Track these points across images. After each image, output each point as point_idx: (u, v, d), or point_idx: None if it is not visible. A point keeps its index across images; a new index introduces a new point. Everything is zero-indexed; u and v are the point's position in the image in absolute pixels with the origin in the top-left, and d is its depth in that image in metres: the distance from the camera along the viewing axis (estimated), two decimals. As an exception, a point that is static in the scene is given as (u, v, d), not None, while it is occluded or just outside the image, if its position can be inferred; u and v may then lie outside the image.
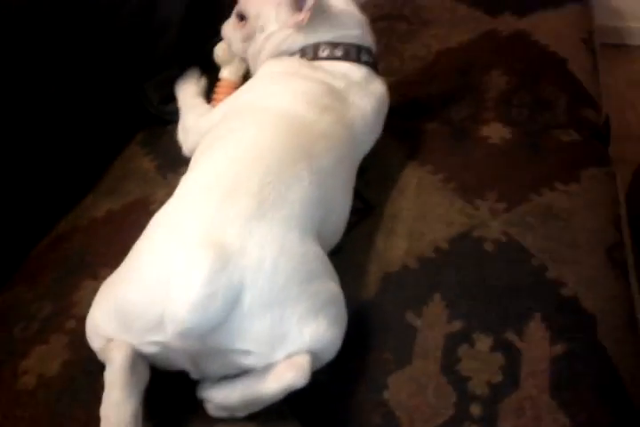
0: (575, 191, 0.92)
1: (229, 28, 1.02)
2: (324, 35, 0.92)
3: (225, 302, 0.58)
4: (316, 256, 0.68)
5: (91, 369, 0.69)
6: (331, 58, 0.91)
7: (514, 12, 1.39)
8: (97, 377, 0.65)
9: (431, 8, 1.47)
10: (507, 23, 1.36)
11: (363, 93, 0.90)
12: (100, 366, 0.64)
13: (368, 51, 0.95)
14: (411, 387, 0.69)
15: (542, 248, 0.83)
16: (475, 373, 0.70)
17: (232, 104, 0.91)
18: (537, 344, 0.73)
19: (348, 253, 0.84)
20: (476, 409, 0.67)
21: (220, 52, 1.11)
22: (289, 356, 0.61)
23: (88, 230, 0.91)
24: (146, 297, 0.61)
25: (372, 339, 0.74)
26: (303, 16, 0.89)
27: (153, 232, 0.68)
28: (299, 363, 0.61)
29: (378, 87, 0.94)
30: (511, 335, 0.73)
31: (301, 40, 0.92)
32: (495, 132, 1.06)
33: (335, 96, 0.86)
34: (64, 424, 0.67)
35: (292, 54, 0.93)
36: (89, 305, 0.68)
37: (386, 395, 0.69)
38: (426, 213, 0.90)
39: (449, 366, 0.71)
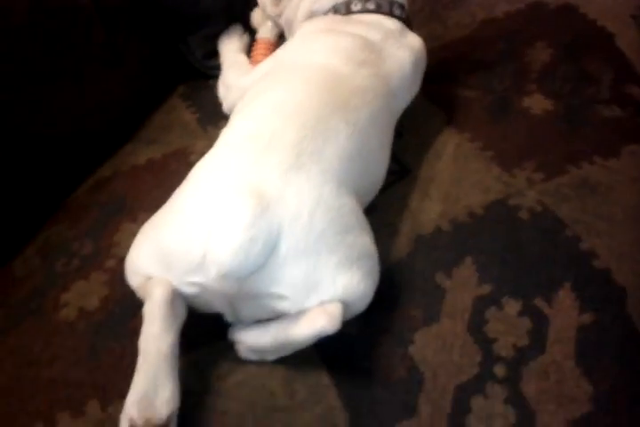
0: (614, 166, 0.91)
1: None
2: None
3: (265, 246, 0.59)
4: (352, 210, 0.69)
5: (128, 306, 0.71)
6: (363, 11, 0.92)
7: (563, -15, 1.36)
8: (134, 313, 0.67)
9: (479, -23, 1.44)
10: (556, -5, 1.33)
11: (399, 45, 0.90)
12: (138, 304, 0.66)
13: (401, 6, 0.96)
14: (436, 344, 0.71)
15: (577, 220, 0.83)
16: (501, 335, 0.71)
17: (270, 63, 0.92)
18: (565, 312, 0.73)
19: (382, 212, 0.85)
20: (500, 370, 0.69)
21: (256, 15, 1.12)
22: (322, 303, 0.63)
23: (129, 176, 0.93)
24: (188, 239, 0.62)
25: (400, 296, 0.76)
26: None
27: (195, 179, 0.69)
28: (331, 310, 0.62)
29: (414, 40, 0.95)
30: (540, 302, 0.74)
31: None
32: (537, 103, 1.05)
33: (371, 48, 0.86)
34: (100, 355, 0.69)
35: (325, 13, 0.94)
36: (128, 246, 0.70)
37: (411, 350, 0.70)
38: (462, 178, 0.90)
39: (476, 326, 0.72)
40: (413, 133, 1.00)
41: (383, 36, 0.89)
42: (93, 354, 0.69)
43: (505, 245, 0.80)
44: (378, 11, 0.93)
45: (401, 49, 0.90)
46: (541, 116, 1.01)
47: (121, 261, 0.71)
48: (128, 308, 0.71)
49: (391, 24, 0.92)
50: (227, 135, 0.75)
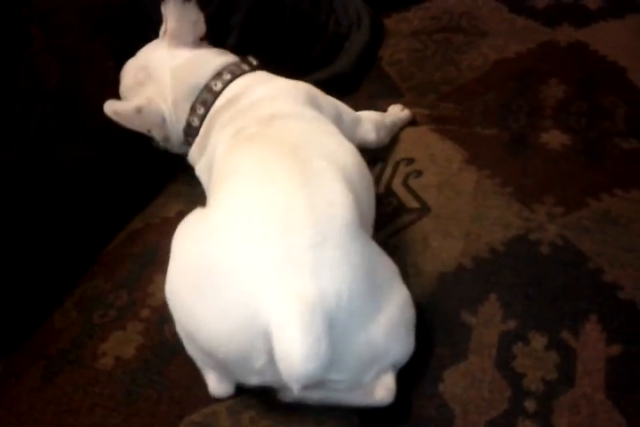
0: (635, 198, 0.92)
1: None
2: (206, 73, 0.93)
3: (327, 339, 0.57)
4: (375, 254, 0.71)
5: (163, 353, 0.73)
6: (225, 85, 0.92)
7: (572, 23, 1.40)
8: (169, 361, 0.70)
9: (488, 20, 1.49)
10: (565, 34, 1.37)
11: (264, 85, 0.92)
12: (173, 351, 0.69)
13: (244, 60, 0.98)
14: (465, 381, 0.71)
15: (599, 252, 0.83)
16: (529, 370, 0.72)
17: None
18: (593, 344, 0.73)
19: (404, 253, 0.87)
20: (530, 405, 0.69)
21: None
22: (377, 374, 0.65)
23: (160, 228, 0.97)
24: (243, 350, 0.61)
25: (427, 335, 0.77)
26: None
27: (226, 275, 0.63)
28: (387, 383, 0.65)
29: (280, 80, 0.96)
30: (566, 335, 0.75)
31: (192, 88, 0.92)
32: (554, 138, 1.07)
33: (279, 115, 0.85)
34: (137, 401, 0.72)
35: (192, 111, 0.93)
36: (162, 297, 0.73)
37: (441, 388, 0.71)
38: (482, 215, 0.92)
39: (504, 362, 0.73)
40: (434, 172, 1.03)
41: (247, 91, 0.91)
42: (130, 401, 0.72)
43: (528, 280, 0.81)
44: (234, 77, 0.93)
45: (267, 86, 0.92)
46: (559, 151, 1.03)
47: (155, 310, 0.75)
48: (163, 356, 0.74)
49: (253, 76, 0.95)
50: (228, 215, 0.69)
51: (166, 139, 0.97)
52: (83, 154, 0.99)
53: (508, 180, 0.98)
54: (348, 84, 1.35)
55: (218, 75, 0.92)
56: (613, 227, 0.87)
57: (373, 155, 1.10)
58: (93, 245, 0.98)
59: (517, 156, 1.03)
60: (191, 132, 0.93)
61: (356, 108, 1.29)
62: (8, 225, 0.87)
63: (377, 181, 1.04)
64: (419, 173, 1.04)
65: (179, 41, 0.95)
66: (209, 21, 1.12)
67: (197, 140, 0.92)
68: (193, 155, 0.95)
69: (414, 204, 0.97)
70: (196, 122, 0.92)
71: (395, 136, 1.16)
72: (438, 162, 1.05)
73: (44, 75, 0.92)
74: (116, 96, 0.99)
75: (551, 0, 1.52)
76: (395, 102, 1.24)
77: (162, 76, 0.93)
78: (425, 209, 0.96)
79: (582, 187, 0.94)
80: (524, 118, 1.16)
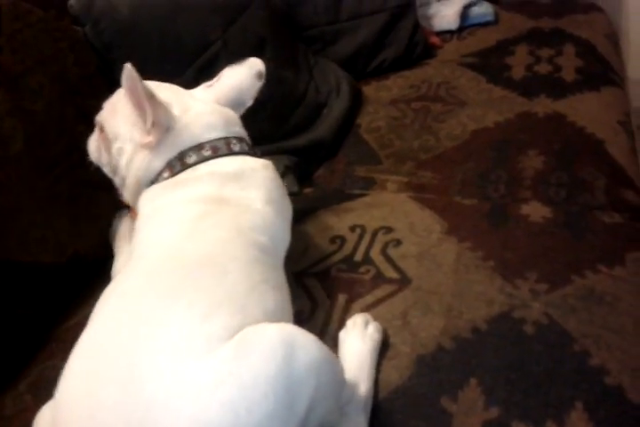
0: (620, 275, 0.89)
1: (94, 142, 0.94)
2: (186, 141, 0.85)
3: None
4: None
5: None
6: (200, 161, 0.83)
7: (549, 94, 1.42)
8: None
9: (467, 90, 1.51)
10: (543, 105, 1.38)
11: (242, 186, 0.82)
12: None
13: (239, 139, 0.88)
14: (447, 478, 0.65)
15: (585, 333, 0.79)
16: (515, 464, 0.66)
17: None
18: (581, 436, 0.68)
19: (382, 332, 0.83)
20: None
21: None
22: None
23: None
24: None
25: (405, 423, 0.71)
26: (151, 138, 0.83)
27: None
28: None
29: (262, 174, 0.85)
30: (551, 425, 0.69)
31: (163, 156, 0.84)
32: (535, 210, 1.05)
33: (212, 208, 0.78)
34: None
35: (159, 173, 0.84)
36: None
37: (420, 486, 0.65)
38: (464, 290, 0.89)
39: (488, 455, 0.67)
40: (413, 242, 1.00)
41: (221, 183, 0.81)
42: None
43: (510, 363, 0.76)
44: (215, 155, 0.84)
45: (245, 189, 0.82)
46: (541, 224, 1.01)
47: None
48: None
49: (231, 165, 0.84)
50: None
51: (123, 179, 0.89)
52: (48, 221, 0.94)
53: (490, 253, 0.95)
54: (327, 150, 1.34)
55: (198, 147, 0.85)
56: (599, 306, 0.84)
57: (350, 221, 1.08)
58: (51, 320, 0.91)
59: (499, 227, 1.01)
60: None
61: (333, 175, 1.28)
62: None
63: (355, 247, 1.01)
64: (398, 243, 1.00)
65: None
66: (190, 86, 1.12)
67: None
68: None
69: (394, 274, 0.93)
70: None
71: (373, 202, 1.14)
72: (417, 232, 1.02)
73: (8, 138, 0.89)
74: (85, 160, 0.95)
75: (527, 72, 1.55)
76: (374, 167, 1.24)
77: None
78: (405, 280, 0.92)
79: (565, 262, 0.91)
80: (503, 188, 1.14)
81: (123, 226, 1.04)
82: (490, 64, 1.64)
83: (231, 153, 0.86)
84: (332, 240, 1.03)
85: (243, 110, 0.95)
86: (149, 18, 1.13)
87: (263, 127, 1.25)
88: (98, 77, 1.09)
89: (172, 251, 0.74)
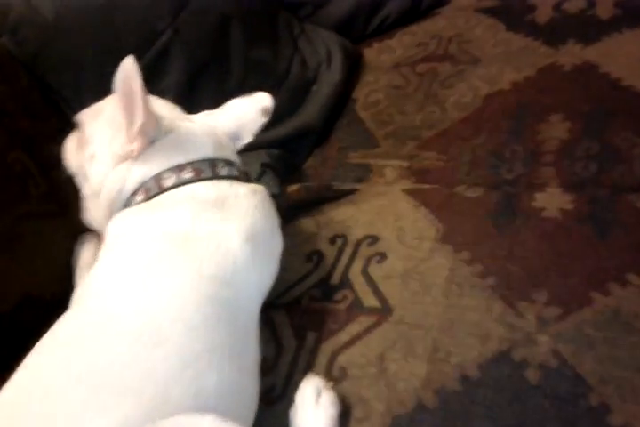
0: (656, 286, 0.70)
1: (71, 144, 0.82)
2: (167, 160, 0.72)
3: None
4: None
5: None
6: (179, 184, 0.70)
7: (579, 39, 1.17)
8: None
9: (482, 42, 1.28)
10: (570, 54, 1.15)
11: (218, 218, 0.68)
12: None
13: (227, 162, 0.75)
14: None
15: (605, 377, 0.62)
16: None
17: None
18: None
19: (355, 380, 0.68)
20: None
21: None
22: None
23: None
24: None
25: None
26: (133, 147, 0.71)
27: None
28: None
29: (248, 201, 0.72)
30: None
31: (140, 174, 0.72)
32: (552, 201, 0.85)
33: (177, 247, 0.65)
34: None
35: (133, 194, 0.73)
36: None
37: None
38: (455, 320, 0.72)
39: None
40: (400, 255, 0.84)
41: (194, 214, 0.67)
42: None
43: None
44: (197, 178, 0.71)
45: (225, 221, 0.68)
46: (557, 220, 0.82)
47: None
48: None
49: (211, 191, 0.70)
50: None
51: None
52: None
53: (490, 266, 0.77)
54: (317, 135, 1.17)
55: (179, 168, 0.72)
56: (626, 335, 0.66)
57: (332, 230, 0.92)
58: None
59: (504, 229, 0.82)
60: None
61: (324, 165, 1.11)
62: None
63: (333, 265, 0.86)
64: (382, 257, 0.84)
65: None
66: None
67: None
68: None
69: (373, 301, 0.78)
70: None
71: (363, 201, 0.97)
72: (407, 241, 0.86)
73: None
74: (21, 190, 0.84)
75: (555, 12, 1.30)
76: (370, 152, 1.08)
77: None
78: (386, 310, 0.76)
79: (585, 274, 0.73)
80: (519, 168, 0.95)
81: (85, 252, 0.93)
82: (511, 6, 1.39)
83: (216, 177, 0.73)
84: (309, 257, 0.88)
85: (239, 146, 0.83)
86: (79, 20, 0.97)
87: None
88: (30, 94, 0.96)
89: (110, 305, 0.62)
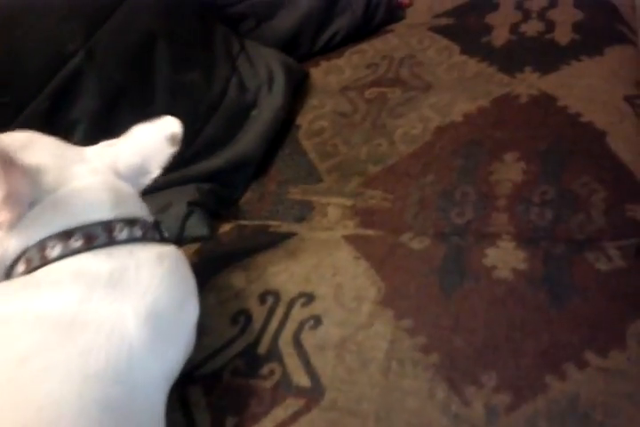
0: (619, 366, 0.62)
1: None
2: (51, 224, 0.60)
3: None
4: None
5: None
6: (66, 255, 0.58)
7: (537, 67, 1.11)
8: None
9: (435, 66, 1.20)
10: (527, 83, 1.08)
11: (115, 298, 0.56)
12: None
13: (129, 223, 0.63)
14: None
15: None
16: None
17: None
18: None
19: None
20: None
21: None
22: None
23: None
24: None
25: None
26: (3, 217, 0.59)
27: None
28: None
29: (151, 272, 0.60)
30: None
31: (20, 242, 0.60)
32: (504, 258, 0.77)
33: (57, 337, 0.53)
34: None
35: (12, 264, 0.61)
36: None
37: None
38: (394, 407, 0.63)
39: None
40: (337, 320, 0.75)
41: (82, 294, 0.56)
42: None
43: None
44: (88, 246, 0.59)
45: (118, 301, 0.56)
46: (509, 283, 0.73)
47: None
48: None
49: (104, 263, 0.59)
50: None
51: None
52: None
53: (435, 338, 0.69)
54: (254, 167, 1.07)
55: (66, 234, 0.60)
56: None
57: (263, 285, 0.82)
58: None
59: (451, 292, 0.74)
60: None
61: (262, 201, 1.01)
62: None
63: (262, 329, 0.76)
64: (317, 322, 0.75)
65: None
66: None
67: None
68: None
69: (303, 378, 0.69)
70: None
71: (299, 249, 0.88)
72: (345, 301, 0.76)
73: None
74: None
75: (512, 34, 1.23)
76: (312, 187, 0.99)
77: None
78: (317, 390, 0.67)
79: (539, 353, 0.65)
80: (470, 212, 0.87)
81: None
82: (467, 26, 1.33)
83: (113, 243, 0.60)
84: (234, 319, 0.78)
85: (147, 181, 0.70)
86: None
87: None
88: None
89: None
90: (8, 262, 0.60)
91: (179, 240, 0.92)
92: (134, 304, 0.57)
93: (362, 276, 0.79)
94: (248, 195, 1.05)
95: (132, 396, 0.54)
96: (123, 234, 0.61)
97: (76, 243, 0.59)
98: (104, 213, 0.62)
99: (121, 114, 0.94)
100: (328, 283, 0.80)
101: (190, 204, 0.94)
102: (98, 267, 0.57)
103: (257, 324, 0.76)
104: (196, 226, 0.93)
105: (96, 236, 0.59)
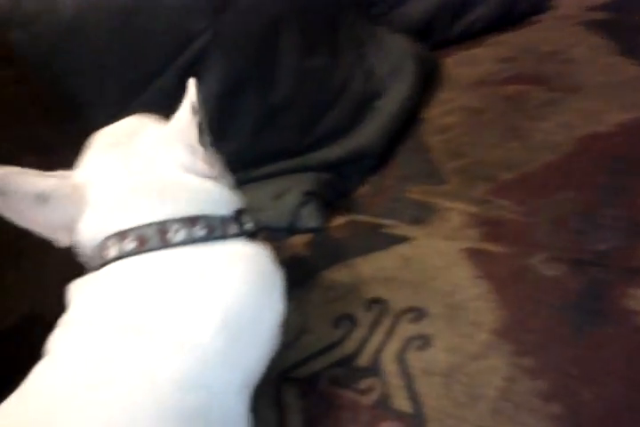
0: None
1: None
2: (104, 225, 0.58)
3: None
4: None
5: None
6: (122, 256, 0.55)
7: None
8: None
9: (586, 65, 1.09)
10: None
11: (181, 303, 0.53)
12: None
13: (188, 221, 0.57)
14: None
15: None
16: None
17: None
18: None
19: None
20: None
21: None
22: None
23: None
24: None
25: None
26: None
27: None
28: None
29: (223, 277, 0.55)
30: None
31: (90, 236, 0.58)
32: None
33: (122, 341, 0.51)
34: None
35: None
36: None
37: None
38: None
39: None
40: (447, 345, 0.68)
41: (144, 297, 0.53)
42: None
43: None
44: (142, 250, 0.55)
45: (187, 307, 0.53)
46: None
47: None
48: None
49: (163, 267, 0.55)
50: None
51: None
52: None
53: (560, 385, 0.61)
54: (374, 160, 1.01)
55: (120, 235, 0.57)
56: None
57: (371, 291, 0.77)
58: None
59: (583, 335, 0.65)
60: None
61: (379, 196, 0.95)
62: None
63: (365, 339, 0.71)
64: (425, 342, 0.69)
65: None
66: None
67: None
68: None
69: (404, 402, 0.63)
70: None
71: (412, 256, 0.81)
72: (460, 325, 0.70)
73: None
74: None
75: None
76: (434, 188, 0.92)
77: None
78: (418, 419, 0.61)
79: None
80: (614, 239, 0.77)
81: None
82: (627, 22, 1.18)
83: (168, 246, 0.56)
84: (337, 322, 0.74)
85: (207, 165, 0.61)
86: (100, 20, 0.84)
87: (284, 138, 0.95)
88: (50, 97, 0.84)
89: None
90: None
91: (290, 229, 0.88)
92: (205, 311, 0.53)
93: (481, 299, 0.72)
94: (364, 188, 0.99)
95: (209, 404, 0.50)
96: (179, 236, 0.56)
97: (130, 245, 0.55)
98: (157, 213, 0.57)
99: (242, 99, 0.91)
100: (442, 301, 0.73)
101: (307, 193, 0.90)
102: (156, 271, 0.55)
103: (360, 332, 0.71)
104: (310, 216, 0.89)
105: (147, 238, 0.55)
